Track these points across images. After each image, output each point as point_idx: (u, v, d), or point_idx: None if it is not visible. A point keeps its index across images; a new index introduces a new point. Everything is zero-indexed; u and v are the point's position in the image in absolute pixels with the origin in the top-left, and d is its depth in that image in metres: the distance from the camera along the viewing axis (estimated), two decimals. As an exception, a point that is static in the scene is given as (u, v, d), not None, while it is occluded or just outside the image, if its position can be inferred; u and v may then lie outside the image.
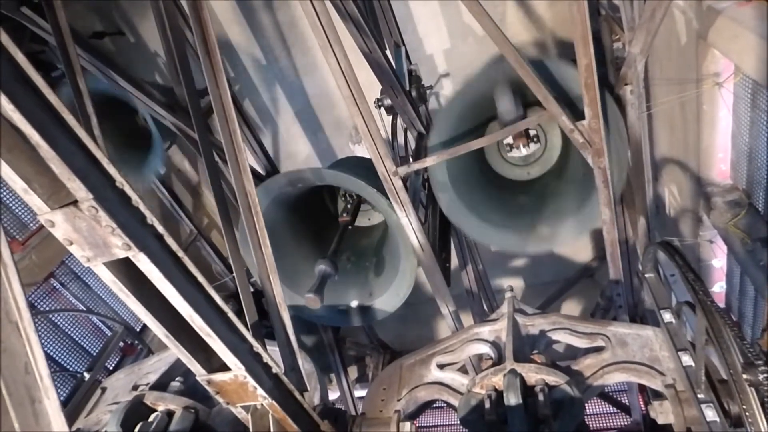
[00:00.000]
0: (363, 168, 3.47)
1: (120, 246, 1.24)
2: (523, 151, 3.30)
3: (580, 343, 2.18)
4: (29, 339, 0.99)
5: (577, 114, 2.57)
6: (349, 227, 3.61)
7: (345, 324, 3.93)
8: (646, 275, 2.34)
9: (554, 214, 3.31)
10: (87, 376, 4.33)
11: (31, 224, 4.84)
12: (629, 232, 3.84)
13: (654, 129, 4.58)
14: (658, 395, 1.96)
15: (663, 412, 1.79)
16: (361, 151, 5.22)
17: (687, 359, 1.82)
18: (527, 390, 1.87)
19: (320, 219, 3.96)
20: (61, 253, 5.09)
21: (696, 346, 1.68)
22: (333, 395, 5.84)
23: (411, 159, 3.55)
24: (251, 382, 1.65)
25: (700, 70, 3.84)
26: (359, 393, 6.52)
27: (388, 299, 3.49)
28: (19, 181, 1.12)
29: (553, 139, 3.60)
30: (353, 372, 7.16)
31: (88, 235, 1.22)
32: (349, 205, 3.81)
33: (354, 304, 3.56)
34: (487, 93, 2.98)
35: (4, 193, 4.65)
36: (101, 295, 5.68)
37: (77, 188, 1.13)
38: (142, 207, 1.31)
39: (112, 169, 1.23)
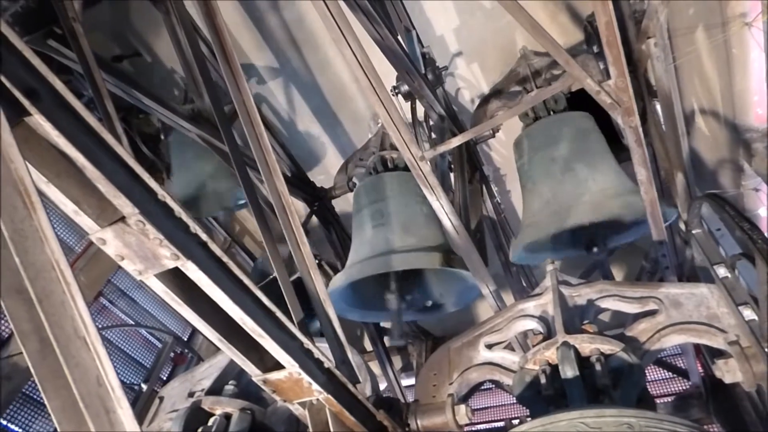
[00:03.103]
0: (399, 191, 3.51)
1: (169, 257, 1.27)
2: None
3: (631, 308, 2.13)
4: (98, 352, 1.03)
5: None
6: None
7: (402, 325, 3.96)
8: (693, 231, 2.27)
9: None
10: (144, 387, 4.51)
11: (77, 247, 5.03)
12: (667, 190, 3.73)
13: (681, 81, 4.41)
14: (719, 354, 1.90)
15: (729, 371, 1.72)
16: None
17: (749, 313, 1.76)
18: (582, 361, 1.83)
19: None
20: (107, 271, 5.28)
21: (758, 297, 1.61)
22: (380, 386, 5.89)
23: (435, 142, 3.53)
24: (306, 378, 1.68)
25: (725, 13, 3.68)
26: (405, 382, 6.57)
27: (452, 300, 3.57)
28: (70, 203, 1.16)
29: None
30: (397, 362, 7.21)
31: (137, 249, 1.26)
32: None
33: (428, 303, 3.60)
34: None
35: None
36: (148, 309, 5.88)
37: (124, 204, 1.16)
38: (184, 217, 1.34)
39: (153, 183, 1.26)
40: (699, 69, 4.28)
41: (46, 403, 1.04)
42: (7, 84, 0.99)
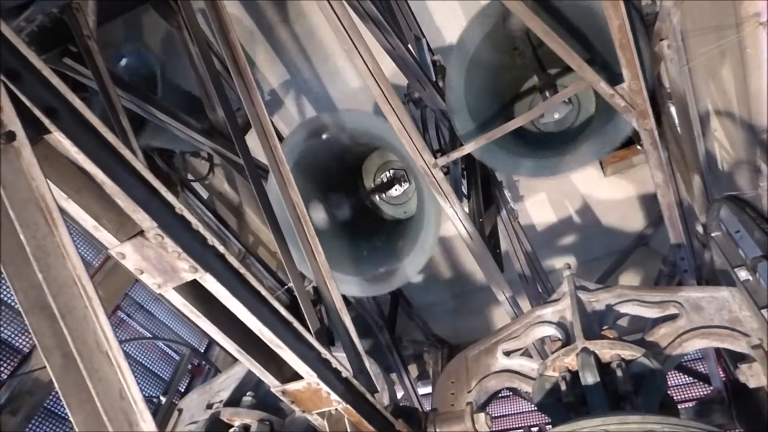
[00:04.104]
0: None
1: (187, 269, 1.28)
2: (556, 116, 3.21)
3: (651, 313, 2.09)
4: (120, 366, 1.04)
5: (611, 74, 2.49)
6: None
7: (377, 293, 3.92)
8: (713, 234, 2.23)
9: (583, 141, 3.28)
10: (163, 399, 4.54)
11: (94, 262, 5.10)
12: (682, 191, 3.68)
13: (695, 83, 4.37)
14: (742, 358, 1.86)
15: (753, 375, 1.68)
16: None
17: (772, 316, 1.72)
18: (603, 367, 1.81)
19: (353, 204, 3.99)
20: (124, 285, 5.34)
21: (782, 300, 1.58)
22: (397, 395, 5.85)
23: (447, 149, 3.52)
24: (324, 388, 1.68)
25: (739, 14, 3.64)
26: (422, 390, 6.52)
27: (414, 258, 3.46)
28: (89, 219, 1.18)
29: (587, 100, 3.50)
30: (413, 370, 7.17)
31: (156, 262, 1.27)
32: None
33: (382, 269, 3.55)
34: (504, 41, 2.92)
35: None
36: (165, 321, 5.93)
37: (142, 218, 1.18)
38: (201, 229, 1.36)
39: (170, 197, 1.27)
40: (713, 70, 4.24)
41: (70, 417, 1.05)
42: (27, 103, 1.01)
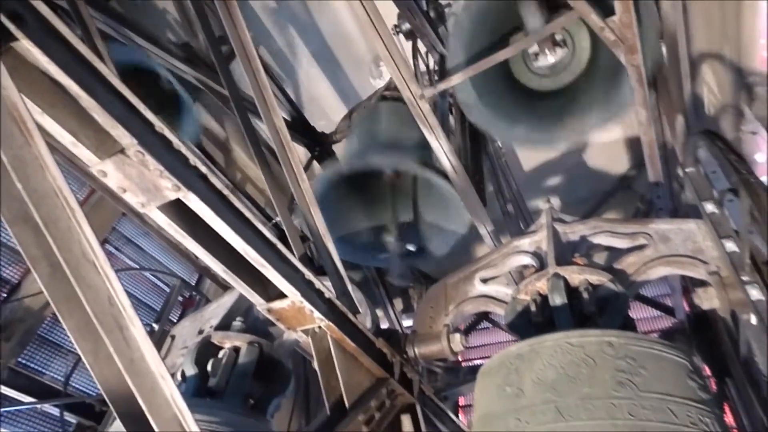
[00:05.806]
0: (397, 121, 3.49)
1: (170, 188, 1.31)
2: (550, 59, 3.14)
3: (622, 243, 2.19)
4: (107, 274, 1.08)
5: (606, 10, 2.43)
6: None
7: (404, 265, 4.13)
8: (687, 170, 2.29)
9: (583, 108, 3.26)
10: (156, 327, 4.70)
11: (78, 195, 5.07)
12: (667, 133, 3.71)
13: (689, 23, 4.29)
14: (702, 285, 1.97)
15: (708, 298, 1.81)
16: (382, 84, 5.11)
17: (731, 245, 1.81)
18: (571, 291, 1.91)
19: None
20: (111, 219, 5.35)
21: (740, 230, 1.66)
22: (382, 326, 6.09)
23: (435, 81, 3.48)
24: (307, 306, 1.77)
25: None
26: (406, 323, 6.80)
27: (440, 242, 3.66)
28: (66, 134, 1.18)
29: (581, 42, 3.41)
30: (399, 304, 7.43)
31: (139, 181, 1.29)
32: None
33: (411, 247, 3.70)
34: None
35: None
36: (154, 255, 6.01)
37: (122, 135, 1.19)
38: (183, 149, 1.37)
39: (150, 115, 1.27)
40: (708, 11, 4.14)
41: (62, 322, 1.10)
42: (-11, 7, 0.97)
